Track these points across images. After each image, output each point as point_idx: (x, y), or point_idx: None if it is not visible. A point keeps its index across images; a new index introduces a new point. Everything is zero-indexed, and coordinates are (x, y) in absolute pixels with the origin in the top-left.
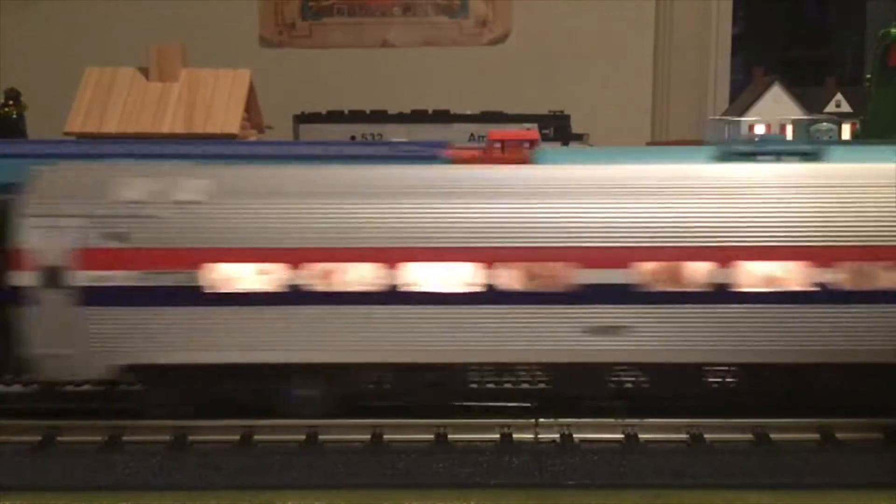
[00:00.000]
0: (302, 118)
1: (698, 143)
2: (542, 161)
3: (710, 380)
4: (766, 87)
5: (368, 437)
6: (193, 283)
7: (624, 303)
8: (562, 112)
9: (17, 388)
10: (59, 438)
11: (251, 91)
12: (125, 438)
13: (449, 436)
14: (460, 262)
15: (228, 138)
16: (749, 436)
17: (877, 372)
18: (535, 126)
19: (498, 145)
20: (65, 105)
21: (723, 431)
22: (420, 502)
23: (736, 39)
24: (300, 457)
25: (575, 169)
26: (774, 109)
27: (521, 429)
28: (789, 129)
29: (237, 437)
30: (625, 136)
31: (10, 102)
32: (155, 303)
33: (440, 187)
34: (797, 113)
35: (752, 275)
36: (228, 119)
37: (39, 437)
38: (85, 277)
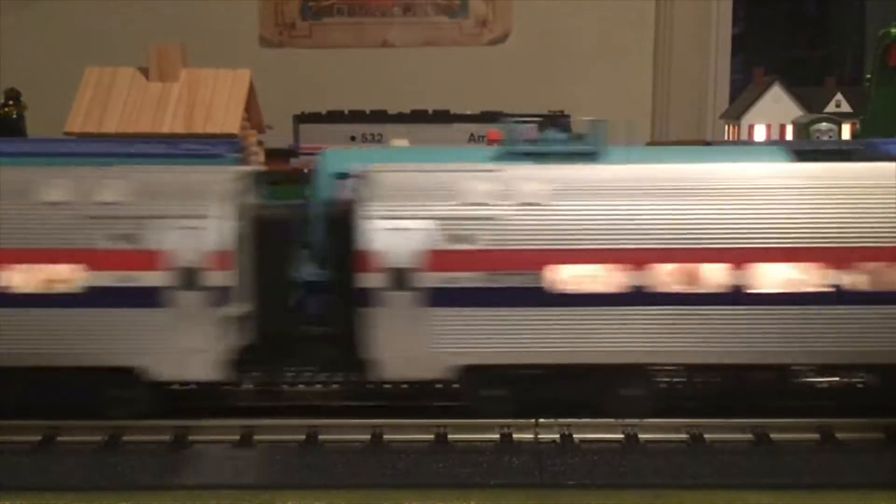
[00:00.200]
0: (302, 118)
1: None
2: None
3: None
4: (766, 87)
5: (368, 437)
6: (537, 285)
7: None
8: (562, 112)
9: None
10: (58, 438)
11: (251, 91)
12: (125, 438)
13: (449, 436)
14: (809, 262)
15: (230, 138)
16: (749, 436)
17: None
18: (535, 126)
19: None
20: (65, 105)
21: (723, 431)
22: (420, 502)
23: (736, 39)
24: (300, 457)
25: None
26: (774, 109)
27: (521, 429)
28: (789, 130)
29: (237, 438)
30: (625, 136)
31: (10, 102)
32: (499, 304)
33: (790, 185)
34: (797, 113)
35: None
36: (228, 119)
37: (39, 437)
38: (431, 279)
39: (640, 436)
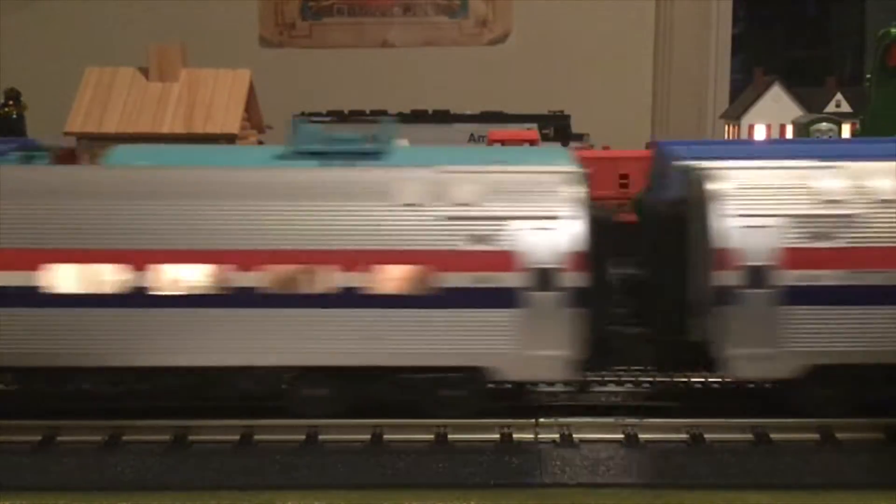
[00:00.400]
0: (302, 118)
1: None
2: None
3: None
4: (766, 87)
5: (368, 437)
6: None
7: None
8: (562, 112)
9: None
10: (58, 438)
11: (251, 91)
12: (125, 438)
13: (449, 436)
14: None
15: (228, 138)
16: (749, 436)
17: None
18: (535, 126)
19: None
20: (65, 105)
21: (723, 431)
22: (420, 502)
23: (736, 39)
24: (300, 457)
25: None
26: (774, 109)
27: (522, 429)
28: (789, 130)
29: (237, 437)
30: (625, 135)
31: (10, 102)
32: (860, 302)
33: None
34: (797, 113)
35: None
36: (228, 119)
37: (39, 437)
38: (790, 276)
39: (640, 436)
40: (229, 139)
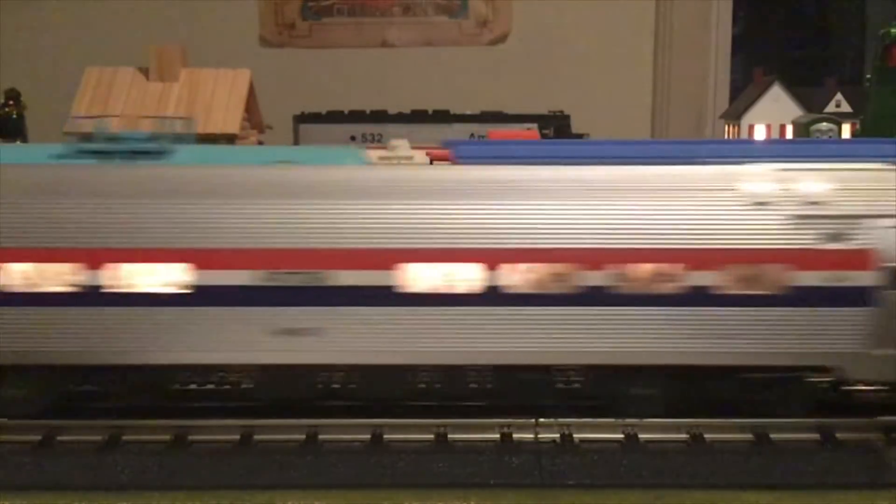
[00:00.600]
0: (302, 118)
1: None
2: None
3: None
4: (766, 87)
5: (368, 437)
6: None
7: None
8: (562, 112)
9: None
10: (58, 438)
11: (251, 91)
12: (125, 438)
13: (449, 436)
14: None
15: (228, 138)
16: (749, 436)
17: None
18: (535, 126)
19: None
20: (65, 105)
21: (723, 431)
22: (420, 502)
23: (736, 39)
24: (300, 457)
25: None
26: (774, 109)
27: (521, 428)
28: (790, 130)
29: (237, 437)
30: (625, 135)
31: (10, 102)
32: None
33: None
34: (797, 113)
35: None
36: (228, 119)
37: (39, 437)
38: None
39: (641, 436)
40: (229, 139)
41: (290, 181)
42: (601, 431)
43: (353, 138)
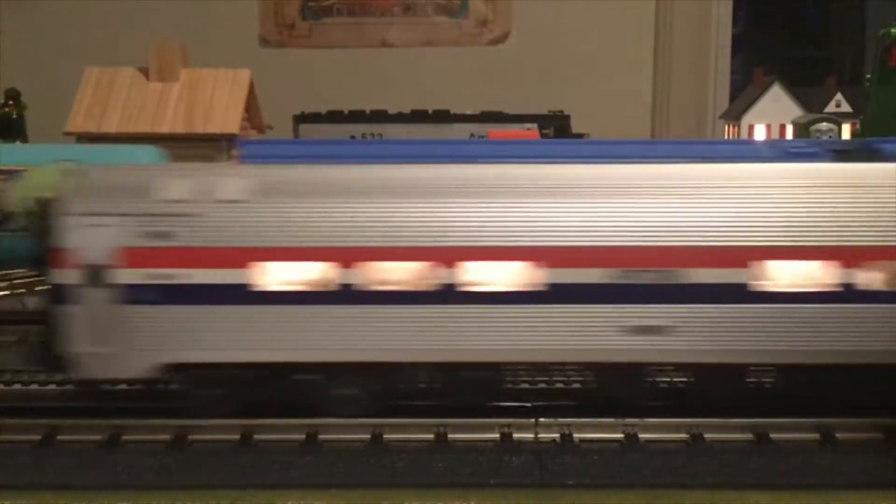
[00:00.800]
0: (302, 118)
1: None
2: None
3: None
4: (766, 87)
5: (368, 436)
6: None
7: None
8: (562, 112)
9: None
10: (58, 437)
11: (251, 91)
12: (125, 438)
13: (449, 435)
14: None
15: (228, 138)
16: (749, 436)
17: None
18: (535, 126)
19: None
20: (65, 105)
21: (723, 431)
22: (420, 502)
23: (736, 39)
24: (300, 456)
25: None
26: (774, 109)
27: (521, 428)
28: (790, 130)
29: (237, 437)
30: (625, 135)
31: (10, 102)
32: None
33: None
34: (797, 113)
35: None
36: (228, 119)
37: (39, 437)
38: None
39: (640, 435)
40: (229, 139)
41: (651, 178)
42: (601, 431)
43: (352, 138)
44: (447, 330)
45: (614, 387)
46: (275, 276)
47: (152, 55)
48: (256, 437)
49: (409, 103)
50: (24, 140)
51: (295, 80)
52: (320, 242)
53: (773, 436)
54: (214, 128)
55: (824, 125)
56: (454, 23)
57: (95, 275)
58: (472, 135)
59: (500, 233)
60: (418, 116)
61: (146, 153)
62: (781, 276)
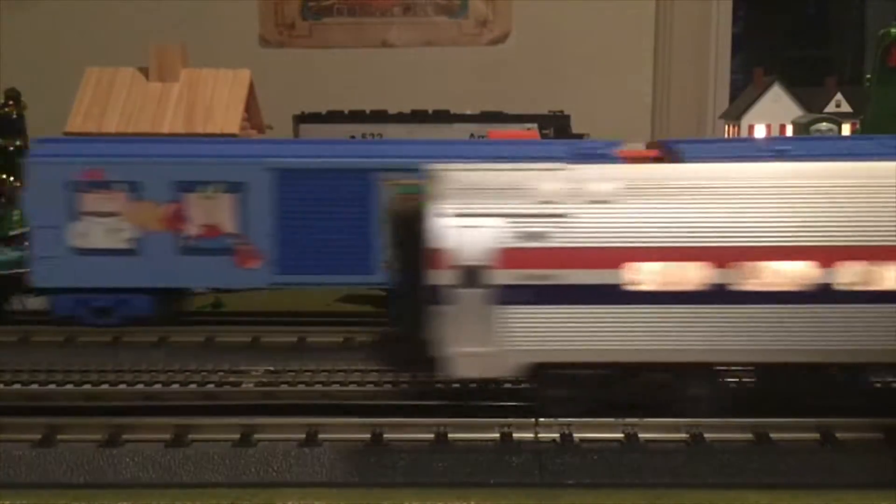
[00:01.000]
0: (302, 118)
1: None
2: None
3: None
4: (766, 87)
5: (368, 436)
6: None
7: None
8: (562, 112)
9: None
10: (59, 437)
11: (251, 91)
12: (125, 437)
13: (449, 435)
14: None
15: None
16: (749, 436)
17: None
18: (535, 126)
19: None
20: (65, 105)
21: (723, 431)
22: (420, 501)
23: (736, 39)
24: (300, 455)
25: None
26: (774, 109)
27: (521, 428)
28: (790, 130)
29: (237, 436)
30: (625, 135)
31: (10, 102)
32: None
33: None
34: (797, 113)
35: None
36: (228, 119)
37: (40, 436)
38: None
39: (640, 435)
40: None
41: None
42: (601, 431)
43: (352, 138)
44: (822, 329)
45: None
46: (648, 275)
47: (152, 55)
48: (256, 435)
49: (409, 103)
50: (24, 140)
51: (295, 80)
52: (691, 242)
53: (773, 436)
54: (214, 128)
55: (824, 125)
56: (454, 23)
57: (471, 275)
58: (472, 135)
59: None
60: (418, 116)
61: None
62: None
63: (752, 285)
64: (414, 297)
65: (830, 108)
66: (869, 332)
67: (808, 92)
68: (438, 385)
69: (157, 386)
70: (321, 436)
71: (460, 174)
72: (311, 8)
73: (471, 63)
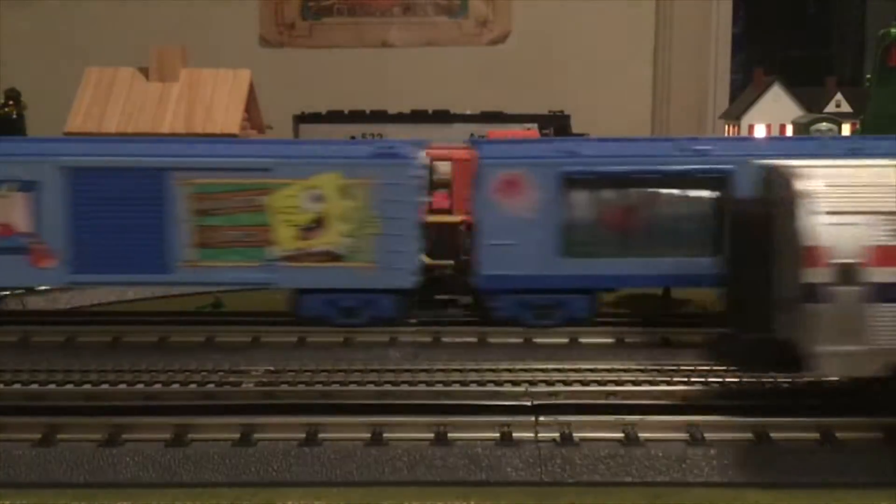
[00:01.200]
0: (302, 118)
1: None
2: None
3: None
4: (766, 87)
5: (368, 435)
6: None
7: None
8: (562, 112)
9: None
10: (59, 436)
11: (251, 91)
12: (125, 436)
13: (449, 434)
14: None
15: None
16: (749, 435)
17: None
18: (535, 126)
19: None
20: (65, 105)
21: (723, 430)
22: (420, 500)
23: (736, 39)
24: (300, 456)
25: None
26: (774, 109)
27: (522, 427)
28: (789, 129)
29: (237, 436)
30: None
31: (10, 102)
32: None
33: None
34: (797, 113)
35: None
36: (228, 119)
37: (40, 435)
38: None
39: (640, 434)
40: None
41: None
42: (601, 430)
43: (353, 138)
44: None
45: None
46: None
47: (152, 55)
48: (256, 435)
49: (409, 103)
50: None
51: (295, 80)
52: None
53: (772, 435)
54: (214, 128)
55: (824, 125)
56: (454, 23)
57: (846, 273)
58: (472, 134)
59: None
60: (418, 116)
61: None
62: None
63: None
64: (762, 296)
65: (830, 108)
66: None
67: (808, 92)
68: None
69: (157, 386)
70: (321, 435)
71: (827, 171)
72: (311, 8)
73: (471, 63)
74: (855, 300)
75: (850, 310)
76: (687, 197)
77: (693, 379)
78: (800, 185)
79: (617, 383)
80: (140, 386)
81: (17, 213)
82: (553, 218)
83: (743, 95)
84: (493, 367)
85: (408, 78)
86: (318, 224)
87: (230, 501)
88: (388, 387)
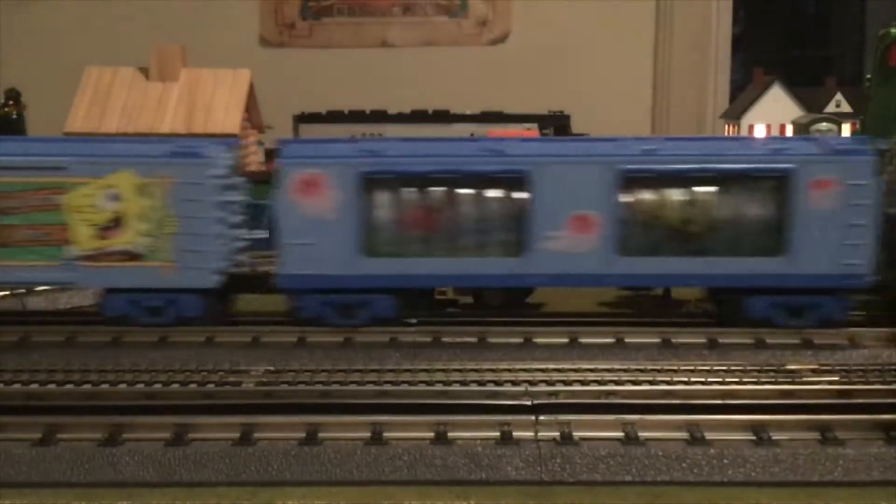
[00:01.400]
0: (302, 118)
1: None
2: None
3: None
4: (766, 87)
5: (368, 435)
6: None
7: None
8: (562, 112)
9: None
10: (58, 436)
11: (251, 91)
12: (125, 436)
13: (448, 433)
14: None
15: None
16: (749, 434)
17: None
18: (535, 126)
19: None
20: (65, 105)
21: (723, 430)
22: (420, 500)
23: (736, 39)
24: (300, 455)
25: None
26: (774, 109)
27: (522, 426)
28: (789, 129)
29: (237, 435)
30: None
31: (10, 102)
32: None
33: None
34: (797, 113)
35: None
36: (228, 119)
37: (40, 435)
38: None
39: (640, 434)
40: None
41: None
42: (601, 429)
43: (352, 138)
44: None
45: None
46: None
47: (152, 55)
48: (256, 434)
49: (409, 103)
50: None
51: (295, 80)
52: None
53: (773, 435)
54: (214, 128)
55: (824, 125)
56: (454, 23)
57: None
58: (472, 134)
59: None
60: (418, 116)
61: None
62: None
63: None
64: None
65: (830, 108)
66: None
67: (808, 92)
68: None
69: (157, 386)
70: (321, 435)
71: None
72: (311, 8)
73: (471, 63)
74: None
75: None
76: (488, 197)
77: (693, 379)
78: None
79: (617, 383)
80: (140, 385)
81: None
82: (353, 218)
83: (743, 95)
84: (493, 367)
85: (408, 78)
86: (115, 223)
87: (230, 501)
88: (387, 386)
